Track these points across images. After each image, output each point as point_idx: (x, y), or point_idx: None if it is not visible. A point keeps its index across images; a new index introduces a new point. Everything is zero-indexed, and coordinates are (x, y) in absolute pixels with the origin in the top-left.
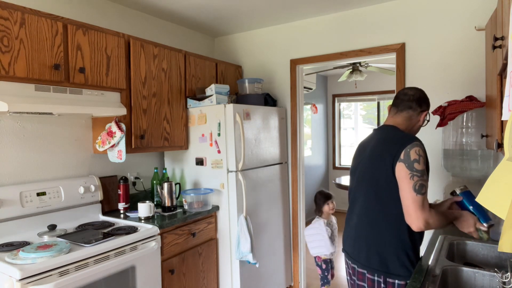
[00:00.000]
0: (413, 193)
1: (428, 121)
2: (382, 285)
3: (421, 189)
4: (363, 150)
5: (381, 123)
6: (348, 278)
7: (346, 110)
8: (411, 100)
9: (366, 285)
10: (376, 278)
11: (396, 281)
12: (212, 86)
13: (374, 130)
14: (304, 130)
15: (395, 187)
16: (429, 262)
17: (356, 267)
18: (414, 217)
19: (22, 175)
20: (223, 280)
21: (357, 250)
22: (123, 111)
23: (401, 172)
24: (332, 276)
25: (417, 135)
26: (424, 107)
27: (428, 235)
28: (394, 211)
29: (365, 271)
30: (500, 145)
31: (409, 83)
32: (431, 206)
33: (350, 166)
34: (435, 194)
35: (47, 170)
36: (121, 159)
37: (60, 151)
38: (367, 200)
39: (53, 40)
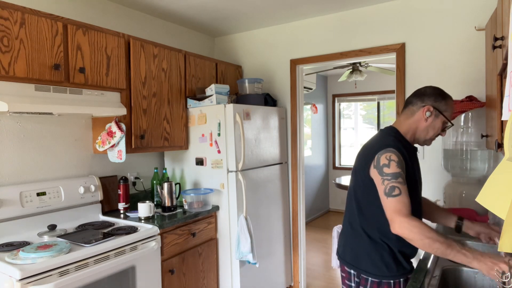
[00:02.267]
0: (384, 196)
1: (447, 127)
2: (356, 279)
3: (392, 191)
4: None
5: (381, 123)
6: None
7: (346, 110)
8: (414, 94)
9: (344, 275)
10: (352, 271)
11: (370, 278)
12: (212, 86)
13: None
14: (304, 130)
15: (370, 190)
16: (429, 262)
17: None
18: (389, 221)
19: (22, 175)
20: (223, 280)
21: (339, 243)
22: (123, 111)
23: (375, 178)
24: None
25: None
26: (427, 101)
27: None
28: (368, 213)
29: (344, 264)
30: (500, 145)
31: (409, 83)
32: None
33: (350, 166)
34: (435, 194)
35: (47, 170)
36: (121, 159)
37: (60, 151)
38: (350, 198)
39: (53, 40)
